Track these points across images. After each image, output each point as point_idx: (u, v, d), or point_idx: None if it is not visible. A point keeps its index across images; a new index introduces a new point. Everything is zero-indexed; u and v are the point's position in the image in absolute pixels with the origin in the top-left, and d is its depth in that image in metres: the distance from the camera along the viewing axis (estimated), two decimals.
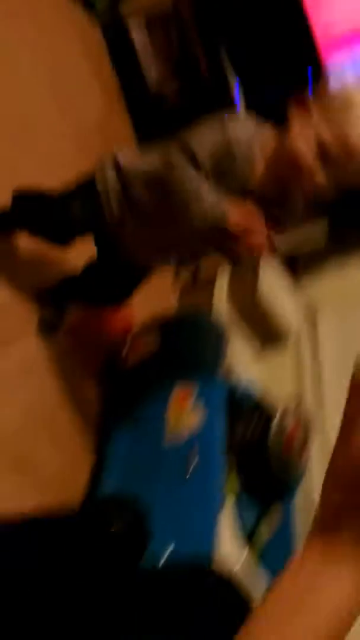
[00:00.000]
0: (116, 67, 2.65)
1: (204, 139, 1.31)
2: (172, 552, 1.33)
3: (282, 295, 2.44)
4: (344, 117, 1.25)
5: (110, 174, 1.43)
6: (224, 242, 1.36)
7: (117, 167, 1.43)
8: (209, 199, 1.28)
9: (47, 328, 1.66)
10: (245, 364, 2.04)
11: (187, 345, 1.81)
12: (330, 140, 1.24)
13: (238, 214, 1.29)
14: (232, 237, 1.31)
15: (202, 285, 2.45)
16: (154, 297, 2.10)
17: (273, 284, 2.39)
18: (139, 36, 2.64)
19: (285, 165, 1.30)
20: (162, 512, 1.41)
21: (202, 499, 1.47)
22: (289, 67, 2.43)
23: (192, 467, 1.51)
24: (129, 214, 1.43)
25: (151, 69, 2.63)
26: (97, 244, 1.56)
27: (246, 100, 2.48)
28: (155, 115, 2.57)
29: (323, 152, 1.26)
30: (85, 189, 1.47)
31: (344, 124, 1.24)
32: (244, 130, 1.33)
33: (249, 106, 2.44)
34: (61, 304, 1.70)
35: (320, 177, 1.27)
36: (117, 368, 1.78)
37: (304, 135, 1.27)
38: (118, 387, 1.76)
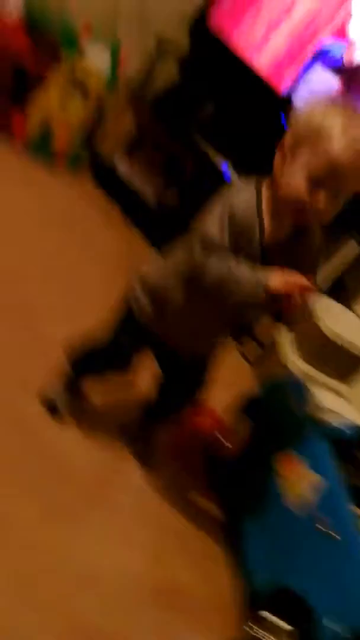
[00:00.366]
0: (115, 200, 2.81)
1: (213, 218, 1.36)
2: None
3: (344, 321, 2.45)
4: (316, 137, 1.27)
5: (141, 295, 1.52)
6: (272, 306, 1.38)
7: (146, 286, 1.52)
8: (244, 276, 1.32)
9: (145, 458, 1.73)
10: (334, 404, 2.04)
11: (276, 416, 1.83)
12: (314, 164, 1.27)
13: (276, 278, 1.31)
14: (277, 299, 1.32)
15: (269, 349, 2.50)
16: (229, 380, 2.16)
17: (332, 316, 2.40)
18: (123, 167, 2.82)
19: (286, 207, 1.34)
20: (320, 587, 1.43)
21: (352, 559, 1.47)
22: (262, 122, 2.54)
23: (328, 530, 1.51)
24: (173, 319, 1.50)
25: (145, 188, 2.78)
26: (155, 357, 1.63)
27: (236, 168, 2.57)
28: (164, 222, 2.70)
29: (314, 178, 1.28)
30: (125, 320, 1.56)
31: (320, 143, 1.27)
32: (240, 194, 1.38)
33: (240, 172, 2.54)
34: (148, 432, 1.76)
35: (322, 201, 1.30)
36: (220, 466, 1.82)
37: (290, 172, 1.30)
38: (228, 484, 1.79)
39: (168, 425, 1.80)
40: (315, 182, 1.29)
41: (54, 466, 1.54)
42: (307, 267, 1.40)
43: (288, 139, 1.33)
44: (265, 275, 1.31)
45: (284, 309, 1.35)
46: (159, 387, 1.71)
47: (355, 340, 2.36)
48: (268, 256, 1.38)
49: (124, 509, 1.61)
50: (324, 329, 2.30)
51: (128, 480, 1.69)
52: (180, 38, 2.84)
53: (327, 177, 1.28)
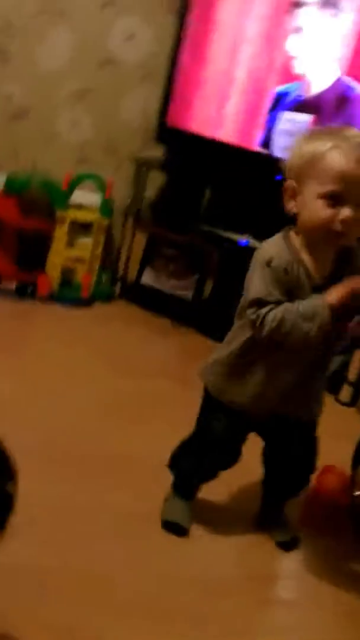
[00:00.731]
0: (159, 312, 2.85)
1: (256, 281, 1.35)
2: None
3: None
4: (315, 164, 1.29)
5: (215, 375, 1.50)
6: (342, 322, 1.34)
7: (218, 367, 1.49)
8: (304, 309, 1.31)
9: (291, 545, 1.64)
10: None
11: None
12: (323, 184, 1.28)
13: (331, 293, 1.32)
14: (343, 312, 1.32)
15: None
16: (336, 432, 2.06)
17: None
18: (150, 279, 2.92)
19: (319, 238, 1.34)
20: None
21: None
22: (259, 185, 2.59)
23: None
24: (260, 389, 1.45)
25: (179, 290, 2.84)
26: (263, 436, 1.58)
27: (256, 238, 2.59)
28: (210, 313, 2.73)
29: (329, 196, 1.28)
30: (210, 406, 1.53)
31: (319, 166, 1.28)
32: (272, 248, 1.38)
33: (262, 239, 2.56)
34: (281, 517, 1.68)
35: (348, 215, 1.28)
36: None
37: (305, 204, 1.32)
38: None
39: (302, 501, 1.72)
40: (332, 199, 1.29)
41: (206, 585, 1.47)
42: None
43: (289, 182, 1.35)
44: (321, 297, 1.32)
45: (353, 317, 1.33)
46: (275, 465, 1.63)
47: None
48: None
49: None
50: None
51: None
52: (152, 146, 2.95)
53: (340, 190, 1.28)
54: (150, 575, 1.47)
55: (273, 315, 1.33)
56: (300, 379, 1.45)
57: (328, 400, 2.35)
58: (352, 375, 2.43)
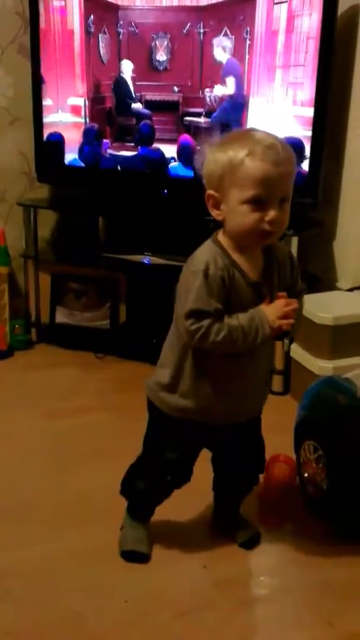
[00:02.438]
0: (84, 347, 2.81)
1: (191, 293, 1.35)
2: None
3: (340, 304, 2.43)
4: (233, 169, 1.31)
5: (162, 392, 1.49)
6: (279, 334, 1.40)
7: (159, 405, 1.49)
8: (247, 328, 1.35)
9: (253, 542, 1.65)
10: None
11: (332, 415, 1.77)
12: (244, 188, 1.30)
13: (270, 314, 1.36)
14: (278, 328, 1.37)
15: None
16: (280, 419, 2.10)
17: (325, 306, 2.37)
18: (64, 317, 2.85)
19: (248, 240, 1.36)
20: None
21: None
22: (151, 207, 2.62)
23: None
24: (212, 397, 1.45)
25: (97, 322, 2.79)
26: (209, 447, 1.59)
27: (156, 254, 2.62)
28: (134, 336, 2.71)
29: (252, 200, 1.31)
30: (159, 425, 1.52)
31: (238, 171, 1.30)
32: (203, 255, 1.38)
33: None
34: (238, 518, 1.69)
35: (273, 215, 1.31)
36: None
37: (230, 210, 1.34)
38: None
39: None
40: (256, 203, 1.32)
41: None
42: (289, 281, 1.47)
43: (209, 192, 1.37)
44: (261, 317, 1.36)
45: (284, 332, 1.39)
46: (225, 468, 1.64)
47: None
48: (262, 292, 1.40)
49: None
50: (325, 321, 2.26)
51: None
52: (37, 187, 2.95)
53: (263, 193, 1.31)
54: (118, 605, 1.45)
55: (217, 329, 1.34)
56: (251, 381, 1.47)
57: None
58: (278, 364, 2.48)
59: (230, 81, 2.47)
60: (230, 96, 2.48)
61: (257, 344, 1.37)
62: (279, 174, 1.30)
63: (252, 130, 1.40)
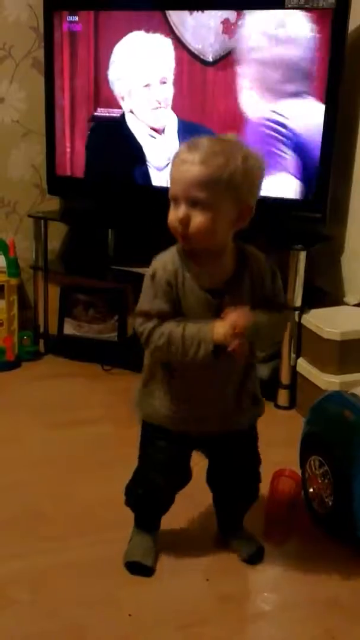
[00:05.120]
0: (94, 359, 2.82)
1: (143, 294, 1.39)
2: None
3: (344, 318, 2.42)
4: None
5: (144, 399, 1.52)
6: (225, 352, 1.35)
7: (141, 415, 1.52)
8: (189, 338, 1.33)
9: (257, 557, 1.64)
10: None
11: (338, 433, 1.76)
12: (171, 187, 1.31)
13: (218, 330, 1.32)
14: (225, 346, 1.33)
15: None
16: (280, 438, 2.10)
17: (330, 320, 2.37)
18: (72, 329, 2.86)
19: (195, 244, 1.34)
20: None
21: None
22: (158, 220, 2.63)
23: None
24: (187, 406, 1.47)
25: (105, 334, 2.81)
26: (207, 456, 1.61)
27: None
28: (136, 352, 2.70)
29: (172, 199, 1.32)
30: (147, 434, 1.54)
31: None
32: (160, 259, 1.40)
33: None
34: (242, 532, 1.68)
35: (180, 213, 1.30)
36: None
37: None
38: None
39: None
40: (172, 201, 1.32)
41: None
42: (266, 293, 1.43)
43: None
44: (208, 327, 1.33)
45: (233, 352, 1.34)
46: (220, 482, 1.64)
47: None
48: (222, 299, 1.38)
49: None
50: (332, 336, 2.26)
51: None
52: (48, 199, 2.98)
53: (173, 191, 1.31)
54: (120, 617, 1.45)
55: (159, 333, 1.35)
56: (216, 393, 1.46)
57: (268, 407, 2.42)
58: (284, 379, 2.48)
59: None
60: None
61: (199, 359, 1.34)
62: (179, 172, 1.30)
63: (202, 136, 1.35)
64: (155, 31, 2.52)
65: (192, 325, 1.35)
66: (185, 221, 1.31)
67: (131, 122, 2.65)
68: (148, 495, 1.58)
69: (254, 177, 1.33)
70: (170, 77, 2.55)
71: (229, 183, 1.28)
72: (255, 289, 1.42)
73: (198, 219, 1.30)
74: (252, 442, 1.59)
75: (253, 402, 1.54)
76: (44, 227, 2.82)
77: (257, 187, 1.35)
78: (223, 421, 1.50)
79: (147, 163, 2.66)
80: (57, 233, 3.00)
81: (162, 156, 2.63)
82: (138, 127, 2.65)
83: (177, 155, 1.32)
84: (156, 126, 2.61)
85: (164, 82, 2.56)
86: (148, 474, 1.56)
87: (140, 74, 2.60)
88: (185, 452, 1.56)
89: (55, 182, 2.85)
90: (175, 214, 1.32)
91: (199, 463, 1.62)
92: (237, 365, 1.44)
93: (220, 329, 1.32)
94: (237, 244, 1.41)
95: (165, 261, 1.39)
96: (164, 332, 1.35)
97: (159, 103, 2.58)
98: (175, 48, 2.50)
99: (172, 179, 1.32)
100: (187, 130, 2.54)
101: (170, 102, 2.57)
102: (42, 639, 1.39)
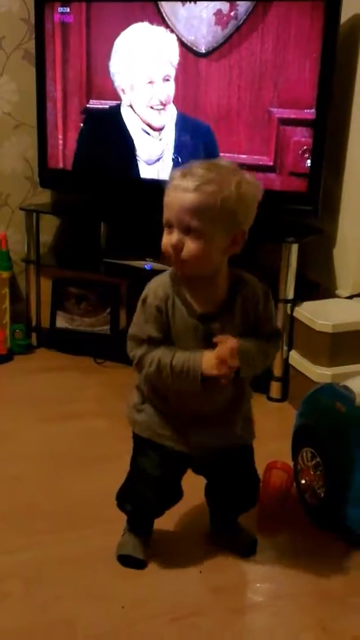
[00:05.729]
0: (85, 353, 2.81)
1: (135, 317, 1.40)
2: None
3: (338, 310, 2.43)
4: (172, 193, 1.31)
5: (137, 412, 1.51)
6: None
7: (134, 428, 1.52)
8: (177, 368, 1.33)
9: (250, 550, 1.65)
10: None
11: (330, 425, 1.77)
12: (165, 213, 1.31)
13: (207, 363, 1.33)
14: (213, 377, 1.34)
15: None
16: (271, 431, 2.10)
17: (324, 314, 2.38)
18: (64, 322, 2.83)
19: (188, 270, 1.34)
20: None
21: None
22: (151, 213, 2.63)
23: None
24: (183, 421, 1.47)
25: (98, 327, 2.80)
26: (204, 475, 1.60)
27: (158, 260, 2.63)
28: None
29: (166, 225, 1.31)
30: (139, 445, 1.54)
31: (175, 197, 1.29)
32: (153, 283, 1.40)
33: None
34: (235, 529, 1.68)
35: (172, 239, 1.30)
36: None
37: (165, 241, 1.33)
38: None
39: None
40: (166, 226, 1.32)
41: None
42: (260, 319, 1.42)
43: None
44: (195, 362, 1.33)
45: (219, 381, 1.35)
46: (218, 499, 1.65)
47: None
48: (212, 326, 1.37)
49: None
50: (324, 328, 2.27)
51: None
52: (40, 192, 2.97)
53: (167, 217, 1.31)
54: (114, 610, 1.45)
55: (149, 360, 1.36)
56: (209, 411, 1.45)
57: (261, 399, 2.44)
58: (277, 371, 2.49)
59: None
60: None
61: (188, 388, 1.35)
62: (173, 198, 1.29)
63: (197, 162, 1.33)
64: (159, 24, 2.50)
65: (182, 354, 1.34)
66: (179, 247, 1.30)
67: (126, 116, 2.63)
68: (137, 511, 1.59)
69: (249, 203, 1.30)
70: (173, 75, 2.52)
71: (222, 209, 1.27)
72: (248, 314, 1.41)
73: (191, 246, 1.29)
74: (249, 459, 1.58)
75: (244, 421, 1.52)
76: (36, 220, 2.81)
77: (252, 212, 1.32)
78: (215, 438, 1.48)
79: (137, 157, 2.65)
80: (49, 226, 2.99)
81: (154, 152, 2.61)
82: (133, 121, 2.63)
83: (171, 181, 1.31)
84: (155, 125, 2.60)
85: (167, 80, 2.54)
86: (138, 488, 1.54)
87: (143, 70, 2.57)
88: (177, 469, 1.54)
89: (47, 175, 2.84)
90: (168, 239, 1.31)
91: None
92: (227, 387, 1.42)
93: (209, 361, 1.33)
94: (231, 269, 1.40)
95: (157, 286, 1.39)
96: (154, 360, 1.36)
97: (162, 104, 2.56)
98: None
99: (166, 204, 1.31)
100: (183, 123, 2.53)
101: (171, 100, 2.55)
102: (36, 632, 1.40)
